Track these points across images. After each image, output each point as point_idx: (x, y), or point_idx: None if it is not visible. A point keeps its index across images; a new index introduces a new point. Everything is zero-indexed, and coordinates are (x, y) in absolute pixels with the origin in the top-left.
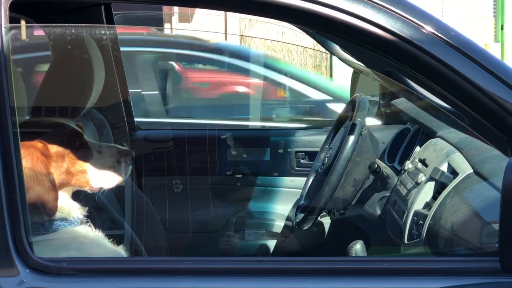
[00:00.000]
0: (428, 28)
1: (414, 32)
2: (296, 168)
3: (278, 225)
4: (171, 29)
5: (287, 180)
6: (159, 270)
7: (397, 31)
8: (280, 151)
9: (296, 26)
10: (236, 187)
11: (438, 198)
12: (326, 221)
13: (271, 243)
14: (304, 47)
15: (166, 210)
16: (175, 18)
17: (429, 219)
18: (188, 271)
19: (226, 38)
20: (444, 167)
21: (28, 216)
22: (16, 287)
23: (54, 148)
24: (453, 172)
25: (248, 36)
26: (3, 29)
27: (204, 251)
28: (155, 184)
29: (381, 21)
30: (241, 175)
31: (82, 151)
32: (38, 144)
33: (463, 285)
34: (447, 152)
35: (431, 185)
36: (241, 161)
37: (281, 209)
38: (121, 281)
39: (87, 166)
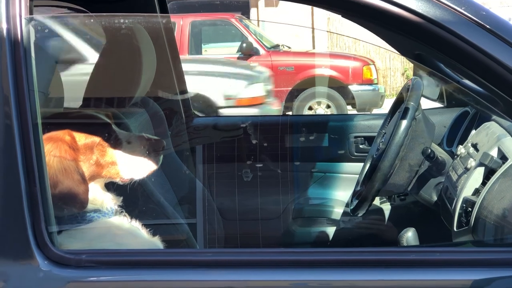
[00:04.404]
0: (457, 8)
1: (442, 13)
2: (355, 154)
3: (337, 212)
4: (258, 20)
5: (346, 166)
6: (179, 262)
7: (424, 13)
8: (339, 136)
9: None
10: (294, 173)
11: (487, 184)
12: (386, 207)
13: (330, 230)
14: (381, 47)
15: (223, 198)
16: (261, 3)
17: (477, 206)
18: (210, 263)
19: (313, 32)
20: (494, 152)
21: (49, 208)
22: (35, 279)
23: (82, 140)
24: (503, 157)
25: (333, 33)
26: (23, 20)
27: (262, 239)
28: (213, 172)
29: (407, 2)
30: (299, 162)
31: (111, 142)
32: (66, 137)
33: None
34: (498, 136)
35: (480, 171)
36: (299, 147)
37: (340, 196)
38: (141, 273)
39: (116, 157)
